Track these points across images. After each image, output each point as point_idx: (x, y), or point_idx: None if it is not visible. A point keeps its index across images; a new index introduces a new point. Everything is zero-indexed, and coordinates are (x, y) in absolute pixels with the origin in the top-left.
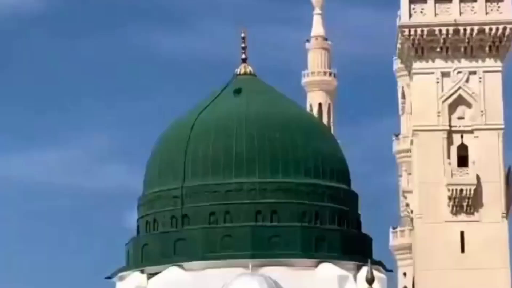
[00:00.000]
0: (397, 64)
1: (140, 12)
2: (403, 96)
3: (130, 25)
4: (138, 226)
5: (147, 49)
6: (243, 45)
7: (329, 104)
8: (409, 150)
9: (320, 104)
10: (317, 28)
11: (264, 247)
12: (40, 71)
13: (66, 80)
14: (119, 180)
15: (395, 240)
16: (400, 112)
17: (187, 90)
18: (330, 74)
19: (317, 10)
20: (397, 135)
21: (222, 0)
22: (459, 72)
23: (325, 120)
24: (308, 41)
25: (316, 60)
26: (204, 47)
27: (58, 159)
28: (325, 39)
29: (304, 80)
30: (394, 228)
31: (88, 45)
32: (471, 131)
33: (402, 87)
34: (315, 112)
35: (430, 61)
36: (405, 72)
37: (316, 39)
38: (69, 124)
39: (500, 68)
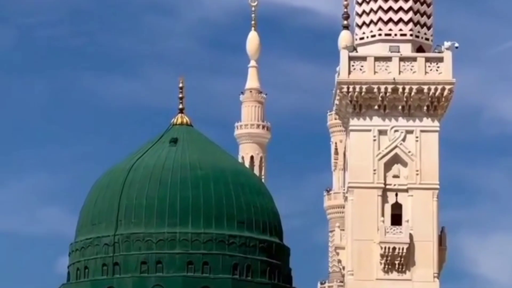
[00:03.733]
0: (330, 120)
1: (81, 57)
2: (336, 152)
3: (71, 69)
4: (68, 273)
5: (86, 93)
6: (180, 95)
7: (261, 157)
8: (340, 206)
9: (252, 157)
10: (252, 81)
11: None
12: None
13: (0, 121)
14: (53, 225)
15: None
16: (333, 168)
17: (124, 137)
18: (263, 127)
19: (253, 63)
20: (328, 191)
21: (163, 48)
22: (396, 131)
23: (256, 172)
24: (242, 93)
25: (249, 112)
26: (144, 94)
27: None
28: (260, 92)
29: (237, 132)
30: (322, 283)
31: (27, 87)
32: (406, 190)
33: (335, 143)
34: (247, 164)
35: (367, 119)
36: (339, 128)
37: (250, 91)
38: (2, 167)
39: (437, 128)
